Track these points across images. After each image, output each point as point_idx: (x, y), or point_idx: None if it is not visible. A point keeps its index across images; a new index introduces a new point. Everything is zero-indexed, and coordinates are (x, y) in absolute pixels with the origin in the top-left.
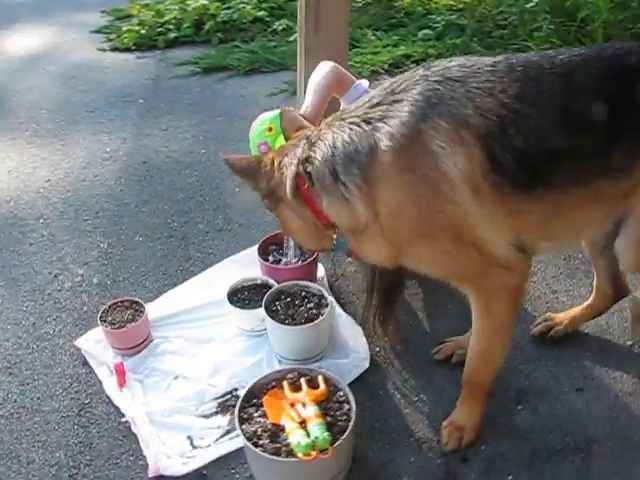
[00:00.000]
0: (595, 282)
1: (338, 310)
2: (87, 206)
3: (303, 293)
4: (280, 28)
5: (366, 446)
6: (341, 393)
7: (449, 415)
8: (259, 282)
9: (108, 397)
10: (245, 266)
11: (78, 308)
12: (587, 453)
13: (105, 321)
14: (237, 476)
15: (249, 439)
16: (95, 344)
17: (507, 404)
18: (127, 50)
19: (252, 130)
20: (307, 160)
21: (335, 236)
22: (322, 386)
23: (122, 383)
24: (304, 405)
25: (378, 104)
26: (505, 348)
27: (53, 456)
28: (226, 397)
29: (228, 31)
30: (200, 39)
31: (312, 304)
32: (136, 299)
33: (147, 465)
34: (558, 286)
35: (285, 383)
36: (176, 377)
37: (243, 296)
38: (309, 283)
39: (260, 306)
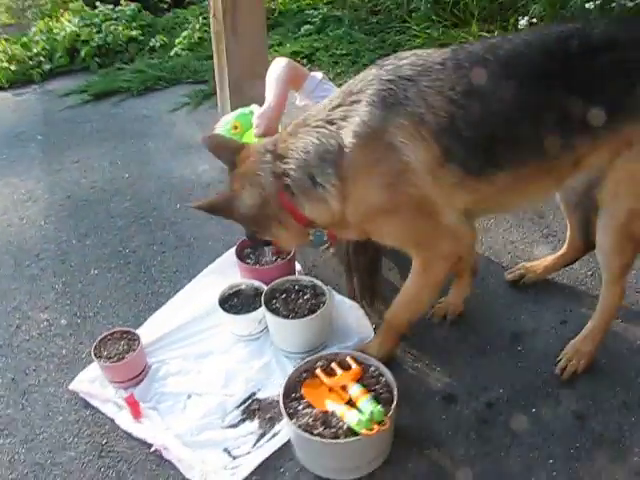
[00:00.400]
0: (568, 234)
1: (337, 296)
2: (25, 250)
3: (296, 287)
4: (157, 45)
5: (399, 412)
6: (373, 368)
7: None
8: (244, 287)
9: (126, 432)
10: (223, 274)
11: (56, 353)
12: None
13: (101, 357)
14: (287, 474)
15: (305, 431)
16: (91, 383)
17: (507, 348)
18: (1, 89)
19: (216, 131)
20: (284, 174)
21: (311, 231)
22: (354, 365)
23: (138, 414)
24: (344, 387)
25: (339, 105)
26: (428, 303)
27: None
28: (247, 403)
29: (105, 55)
30: (77, 67)
31: (308, 295)
32: (127, 329)
33: None
34: (513, 236)
35: (319, 371)
36: (189, 396)
37: (233, 302)
38: (299, 277)
39: (253, 309)
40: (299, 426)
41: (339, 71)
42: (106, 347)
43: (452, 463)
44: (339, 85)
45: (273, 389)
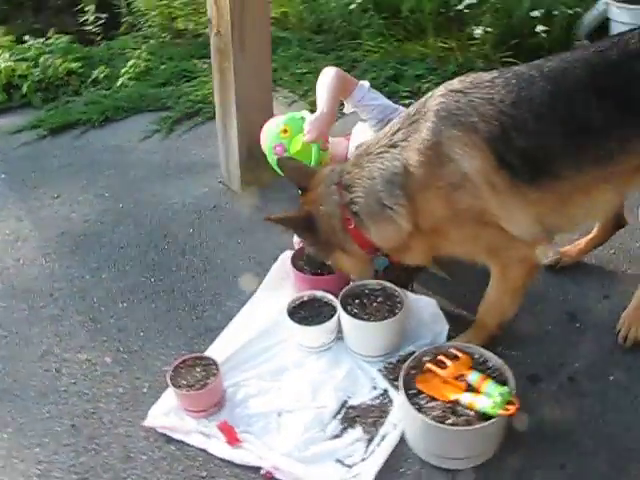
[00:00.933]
0: None
1: (410, 295)
2: (34, 292)
3: (366, 291)
4: (101, 76)
5: None
6: (477, 355)
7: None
8: (307, 298)
9: (224, 460)
10: (277, 288)
11: (113, 392)
12: None
13: (180, 386)
14: (408, 473)
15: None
16: (166, 417)
17: (567, 326)
18: None
19: (265, 134)
20: (351, 202)
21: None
22: (460, 355)
23: (234, 439)
24: (458, 377)
25: (398, 129)
26: (514, 308)
27: None
28: (343, 412)
29: (46, 89)
30: (16, 103)
31: (381, 298)
32: (199, 354)
33: None
34: None
35: (429, 365)
36: (279, 414)
37: (301, 315)
38: (366, 281)
39: (323, 320)
40: (433, 418)
41: (306, 89)
42: (182, 376)
43: (555, 434)
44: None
45: (364, 395)
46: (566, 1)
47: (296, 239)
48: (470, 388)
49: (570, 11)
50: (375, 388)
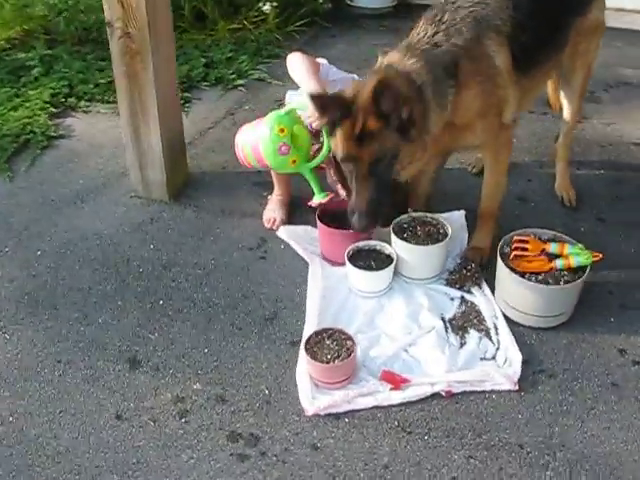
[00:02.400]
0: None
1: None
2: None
3: (405, 225)
4: None
5: None
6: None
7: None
8: (360, 247)
9: (398, 405)
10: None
11: (224, 421)
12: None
13: (323, 360)
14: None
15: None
16: (325, 396)
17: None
18: None
19: (259, 142)
20: (422, 84)
21: None
22: (526, 238)
23: (401, 380)
24: (542, 252)
25: (436, 32)
26: (505, 186)
27: None
28: (449, 326)
29: None
30: None
31: (420, 226)
32: (319, 329)
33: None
34: None
35: (515, 252)
36: (406, 350)
37: (360, 264)
38: (401, 218)
39: (383, 266)
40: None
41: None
42: (317, 352)
43: None
44: None
45: (449, 308)
46: None
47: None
48: (553, 257)
49: None
50: (452, 299)
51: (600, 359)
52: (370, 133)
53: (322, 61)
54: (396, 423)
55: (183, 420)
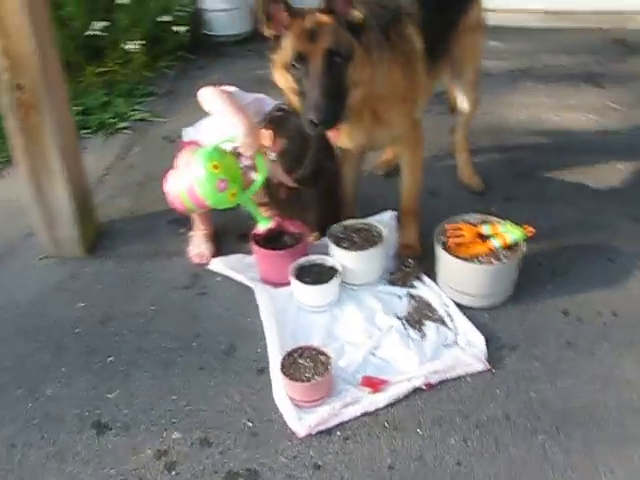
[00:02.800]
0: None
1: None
2: None
3: (340, 235)
4: None
5: None
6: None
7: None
8: (305, 262)
9: (384, 407)
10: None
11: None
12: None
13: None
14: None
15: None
16: (313, 415)
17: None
18: None
19: (197, 184)
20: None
21: None
22: (461, 225)
23: (379, 382)
24: (477, 235)
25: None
26: (422, 179)
27: None
28: (405, 322)
29: None
30: None
31: (362, 232)
32: (293, 349)
33: None
34: None
35: (453, 240)
36: (372, 353)
37: (306, 279)
38: (337, 224)
39: (329, 279)
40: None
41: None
42: (293, 372)
43: None
44: None
45: (401, 306)
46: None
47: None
48: (488, 238)
49: (188, 9)
50: (400, 297)
51: (549, 323)
52: (323, 27)
53: (231, 88)
54: (386, 424)
55: (173, 473)
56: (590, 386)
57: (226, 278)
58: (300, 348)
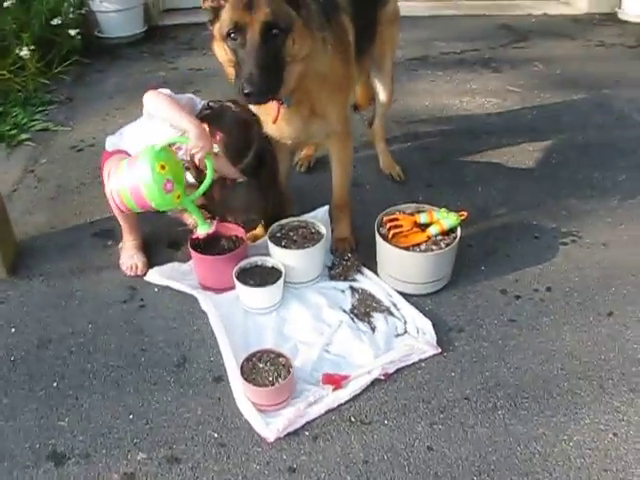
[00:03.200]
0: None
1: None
2: None
3: (278, 234)
4: None
5: None
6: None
7: None
8: (240, 268)
9: (347, 401)
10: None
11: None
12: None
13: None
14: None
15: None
16: (281, 418)
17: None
18: None
19: (142, 184)
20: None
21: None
22: (396, 215)
23: (340, 379)
24: (414, 225)
25: None
26: (351, 173)
27: None
28: (353, 316)
29: None
30: None
31: (300, 230)
32: (252, 353)
33: None
34: None
35: (392, 231)
36: (326, 350)
37: (249, 282)
38: (275, 224)
39: (273, 280)
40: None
41: None
42: (252, 376)
43: None
44: None
45: (344, 300)
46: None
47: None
48: (427, 226)
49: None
50: (343, 291)
51: (490, 303)
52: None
53: (166, 91)
54: (352, 419)
55: None
56: (537, 360)
57: (164, 288)
58: (258, 352)
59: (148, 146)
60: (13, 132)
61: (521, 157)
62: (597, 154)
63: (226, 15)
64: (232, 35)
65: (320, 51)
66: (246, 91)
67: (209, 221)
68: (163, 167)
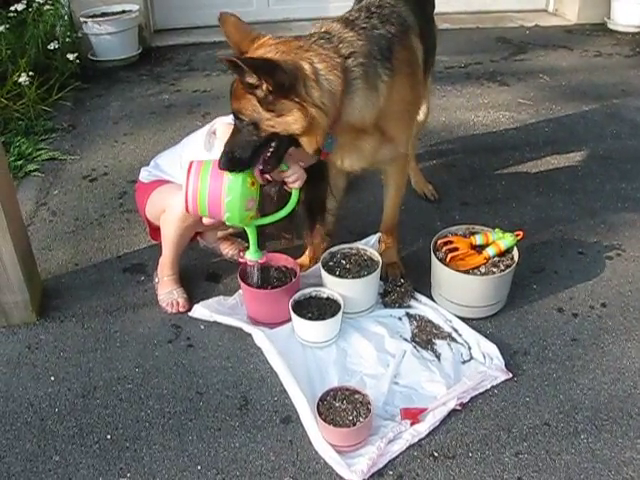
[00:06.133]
0: None
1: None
2: None
3: (331, 263)
4: None
5: None
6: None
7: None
8: (294, 301)
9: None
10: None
11: None
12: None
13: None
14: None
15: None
16: (369, 457)
17: None
18: None
19: (230, 195)
20: (350, 55)
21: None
22: (451, 238)
23: (418, 412)
24: (470, 247)
25: (369, 18)
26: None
27: None
28: (415, 344)
29: None
30: None
31: (353, 258)
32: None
33: None
34: None
35: (450, 254)
36: (395, 382)
37: (310, 316)
38: (325, 252)
39: (330, 312)
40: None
41: None
42: (331, 416)
43: None
44: None
45: (403, 329)
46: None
47: None
48: (483, 247)
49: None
50: (400, 319)
51: (549, 323)
52: (237, 94)
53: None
54: (436, 453)
55: None
56: (608, 379)
57: (210, 325)
58: (332, 390)
59: None
60: (19, 163)
61: (547, 171)
62: (619, 164)
63: None
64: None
65: (363, 103)
66: (220, 164)
67: (261, 250)
68: (253, 184)
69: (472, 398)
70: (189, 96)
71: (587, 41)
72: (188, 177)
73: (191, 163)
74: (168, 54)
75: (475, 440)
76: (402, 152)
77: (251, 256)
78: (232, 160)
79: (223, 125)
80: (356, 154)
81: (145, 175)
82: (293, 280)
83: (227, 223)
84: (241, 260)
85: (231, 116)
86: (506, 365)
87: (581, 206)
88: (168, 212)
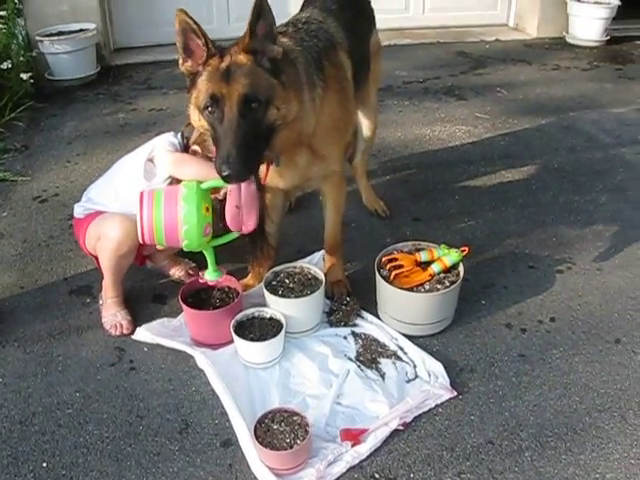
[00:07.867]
0: None
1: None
2: None
3: (278, 277)
4: None
5: None
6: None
7: None
8: (237, 322)
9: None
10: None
11: None
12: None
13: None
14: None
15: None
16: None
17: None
18: None
19: (186, 223)
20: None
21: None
22: (395, 255)
23: (359, 433)
24: (414, 263)
25: (299, 32)
26: None
27: None
28: (360, 364)
29: None
30: None
31: (296, 277)
32: (265, 412)
33: None
34: None
35: (394, 271)
36: (337, 402)
37: (252, 336)
38: (268, 272)
39: (273, 332)
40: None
41: None
42: (267, 439)
43: None
44: None
45: (349, 347)
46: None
47: None
48: (428, 264)
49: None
50: (345, 338)
51: (497, 339)
52: (240, 68)
53: (170, 139)
54: (377, 475)
55: None
56: (554, 395)
57: (154, 347)
58: (270, 412)
59: (192, 184)
60: None
61: (501, 185)
62: (573, 177)
63: (203, 85)
64: (209, 109)
65: (309, 110)
66: (224, 174)
67: (220, 269)
68: (208, 209)
69: (416, 417)
70: (145, 115)
71: (546, 55)
72: (141, 209)
73: (142, 194)
74: (127, 72)
75: (417, 460)
76: (334, 169)
77: (210, 276)
78: (245, 163)
79: (166, 153)
80: (292, 169)
81: (80, 211)
82: (235, 300)
83: (185, 250)
84: (201, 281)
85: (167, 137)
86: (452, 383)
87: (533, 220)
88: (102, 240)
